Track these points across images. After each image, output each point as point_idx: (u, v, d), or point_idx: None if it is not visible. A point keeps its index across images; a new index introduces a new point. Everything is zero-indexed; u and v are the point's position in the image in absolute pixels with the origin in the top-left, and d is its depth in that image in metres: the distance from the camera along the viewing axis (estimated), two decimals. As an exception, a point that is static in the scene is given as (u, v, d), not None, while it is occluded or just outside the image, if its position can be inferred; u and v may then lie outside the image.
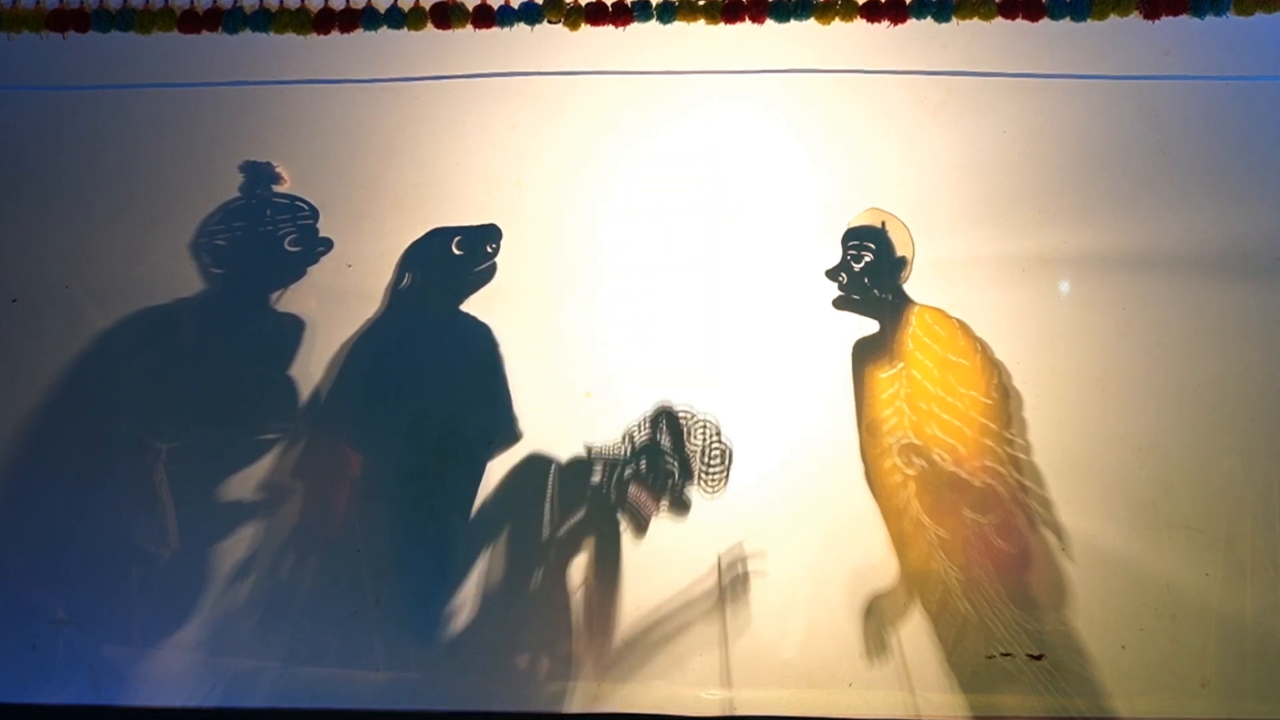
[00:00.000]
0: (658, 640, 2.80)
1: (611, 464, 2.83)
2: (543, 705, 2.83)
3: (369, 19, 2.79)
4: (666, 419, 2.82)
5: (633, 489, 2.81)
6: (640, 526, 2.83)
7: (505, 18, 2.78)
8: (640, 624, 2.81)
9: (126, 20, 2.81)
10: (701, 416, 2.84)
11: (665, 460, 2.81)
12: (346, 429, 2.93)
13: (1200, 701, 2.76)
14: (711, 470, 2.82)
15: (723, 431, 2.83)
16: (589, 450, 2.84)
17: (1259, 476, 2.78)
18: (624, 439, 2.85)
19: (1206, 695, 2.76)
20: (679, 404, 2.84)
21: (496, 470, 2.88)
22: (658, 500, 2.82)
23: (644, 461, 2.82)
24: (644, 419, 2.85)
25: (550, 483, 2.83)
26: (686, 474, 2.82)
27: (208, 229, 2.96)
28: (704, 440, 2.82)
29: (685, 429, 2.81)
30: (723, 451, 2.81)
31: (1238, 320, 2.79)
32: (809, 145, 2.89)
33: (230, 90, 2.98)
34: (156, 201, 2.98)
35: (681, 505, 2.82)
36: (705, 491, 2.82)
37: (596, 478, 2.82)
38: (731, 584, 2.79)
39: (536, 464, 2.86)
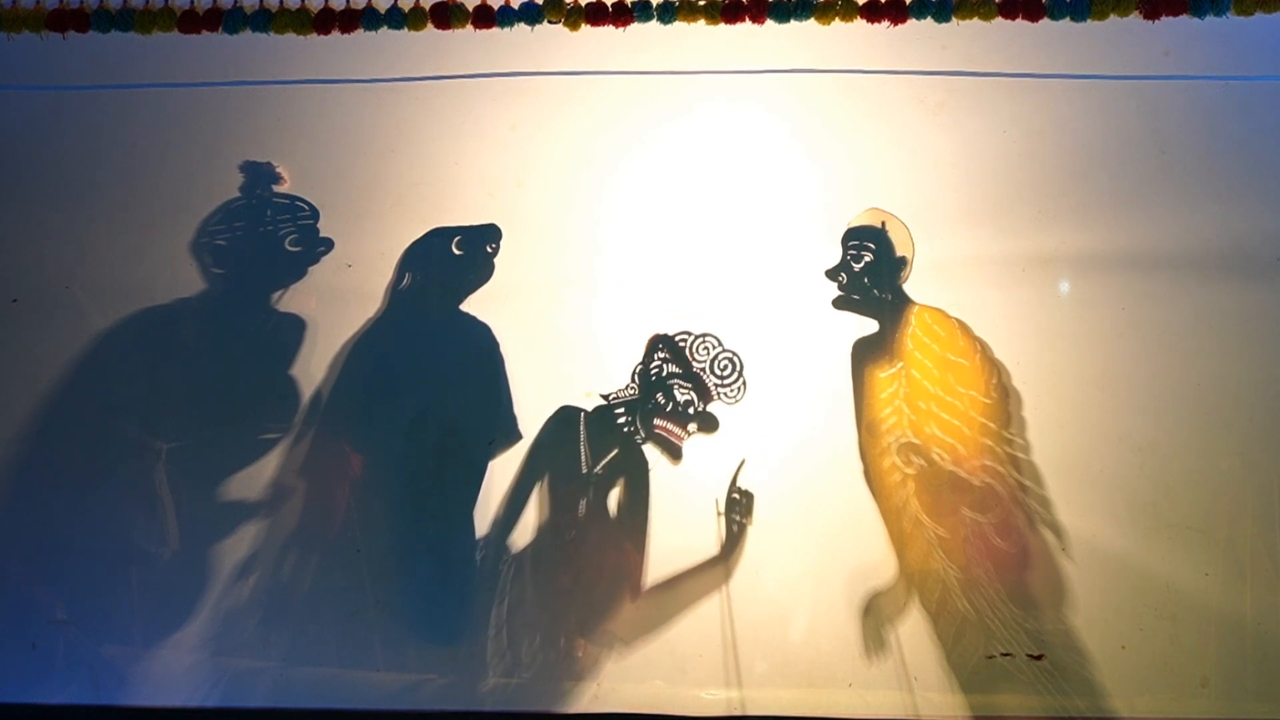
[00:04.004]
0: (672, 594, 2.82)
1: (629, 406, 2.84)
2: (543, 705, 2.83)
3: (369, 19, 2.79)
4: (666, 346, 2.82)
5: (656, 423, 2.82)
6: (675, 455, 2.84)
7: (505, 18, 2.78)
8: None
9: (126, 20, 2.81)
10: (699, 334, 2.84)
11: (678, 386, 2.81)
12: (347, 429, 2.93)
13: (1200, 701, 2.76)
14: (725, 381, 2.82)
15: (724, 342, 2.83)
16: (605, 398, 2.85)
17: (1259, 476, 2.78)
18: (632, 379, 2.85)
19: (1206, 695, 2.76)
20: (673, 330, 2.85)
21: (498, 468, 2.89)
22: (684, 426, 2.83)
23: (659, 395, 2.82)
24: (645, 356, 2.86)
25: (579, 442, 2.85)
26: (703, 392, 2.82)
27: (208, 229, 2.96)
28: (709, 355, 2.82)
29: (687, 350, 2.81)
30: (731, 360, 2.81)
31: (1238, 320, 2.80)
32: (809, 145, 2.89)
33: (230, 90, 2.98)
34: (156, 201, 2.98)
35: (708, 423, 2.83)
36: (726, 402, 2.83)
37: (620, 421, 2.84)
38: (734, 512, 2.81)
39: (567, 417, 2.87)
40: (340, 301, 2.94)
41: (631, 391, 2.85)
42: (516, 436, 2.88)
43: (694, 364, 2.83)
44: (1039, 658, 2.76)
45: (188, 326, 2.97)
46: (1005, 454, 2.78)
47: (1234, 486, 2.78)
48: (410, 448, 2.91)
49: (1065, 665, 2.76)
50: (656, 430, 2.84)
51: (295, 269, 2.95)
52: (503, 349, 2.91)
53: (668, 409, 2.83)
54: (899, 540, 2.80)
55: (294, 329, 2.94)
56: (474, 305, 2.94)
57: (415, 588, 2.89)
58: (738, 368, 2.83)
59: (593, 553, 2.83)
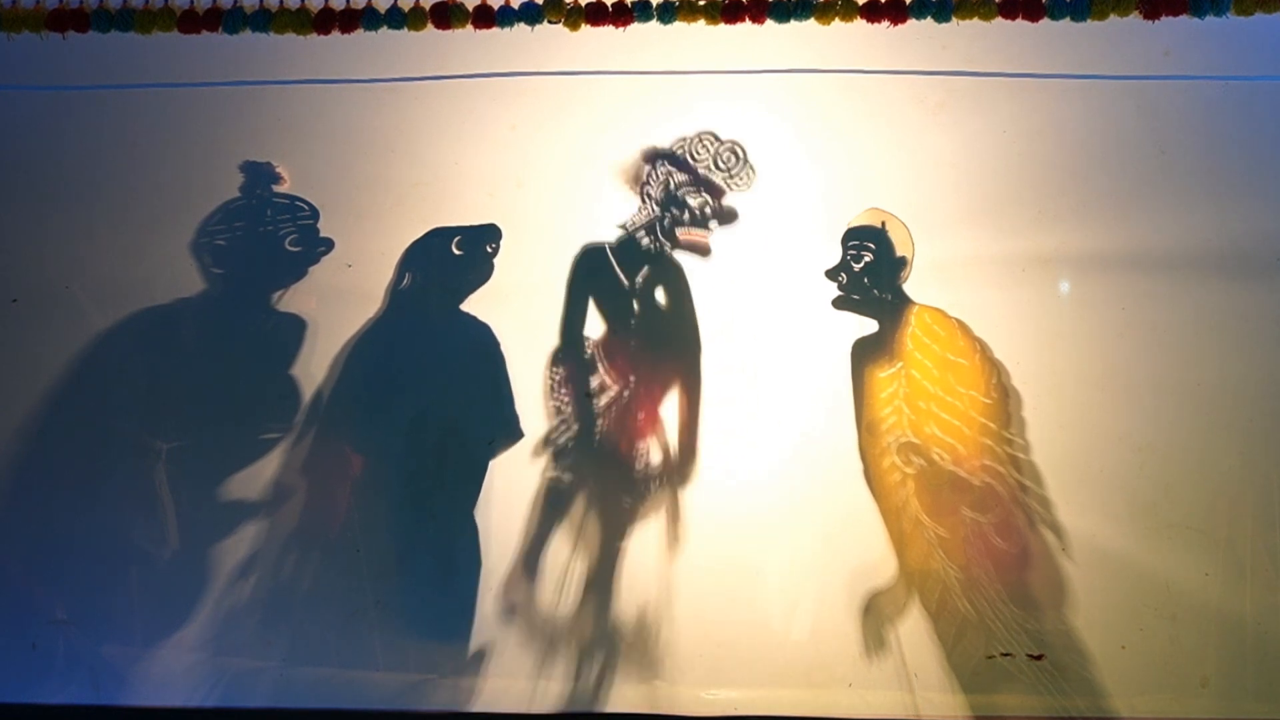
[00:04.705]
0: None
1: (648, 227, 2.85)
2: (543, 705, 2.83)
3: (369, 19, 2.79)
4: (666, 158, 2.83)
5: (680, 234, 2.84)
6: (705, 254, 2.87)
7: (505, 18, 2.78)
8: None
9: (126, 20, 2.81)
10: (693, 135, 2.85)
11: (689, 193, 2.82)
12: (347, 429, 2.93)
13: (1200, 701, 2.76)
14: (733, 172, 2.83)
15: (719, 133, 2.84)
16: (624, 227, 2.87)
17: (1259, 476, 2.78)
18: (643, 200, 2.86)
19: (1206, 695, 2.76)
20: (667, 139, 2.87)
21: (498, 468, 2.89)
22: (705, 227, 2.84)
23: (673, 208, 2.83)
24: (647, 174, 2.87)
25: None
26: (714, 190, 2.83)
27: (208, 229, 2.96)
28: (710, 153, 2.83)
29: (687, 155, 2.83)
30: (733, 150, 2.83)
31: (1238, 320, 2.80)
32: (809, 145, 2.89)
33: (230, 90, 2.98)
34: (156, 201, 2.98)
35: (727, 217, 2.84)
36: (740, 189, 2.84)
37: (645, 243, 2.86)
38: None
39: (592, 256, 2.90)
40: (340, 301, 2.94)
41: (647, 213, 2.86)
42: (517, 436, 2.88)
43: (698, 166, 2.83)
44: (1039, 658, 2.76)
45: (188, 326, 2.97)
46: (1005, 454, 2.78)
47: (1234, 486, 2.78)
48: (410, 448, 2.91)
49: (1065, 665, 2.76)
50: (682, 240, 2.86)
51: (295, 269, 2.95)
52: (503, 349, 2.91)
53: (685, 218, 2.84)
54: (899, 540, 2.80)
55: (294, 329, 2.94)
56: (474, 305, 2.94)
57: (415, 588, 2.89)
58: (741, 155, 2.84)
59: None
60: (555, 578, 2.86)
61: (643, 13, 2.76)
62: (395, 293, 2.95)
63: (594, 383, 2.85)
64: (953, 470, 2.77)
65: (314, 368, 2.93)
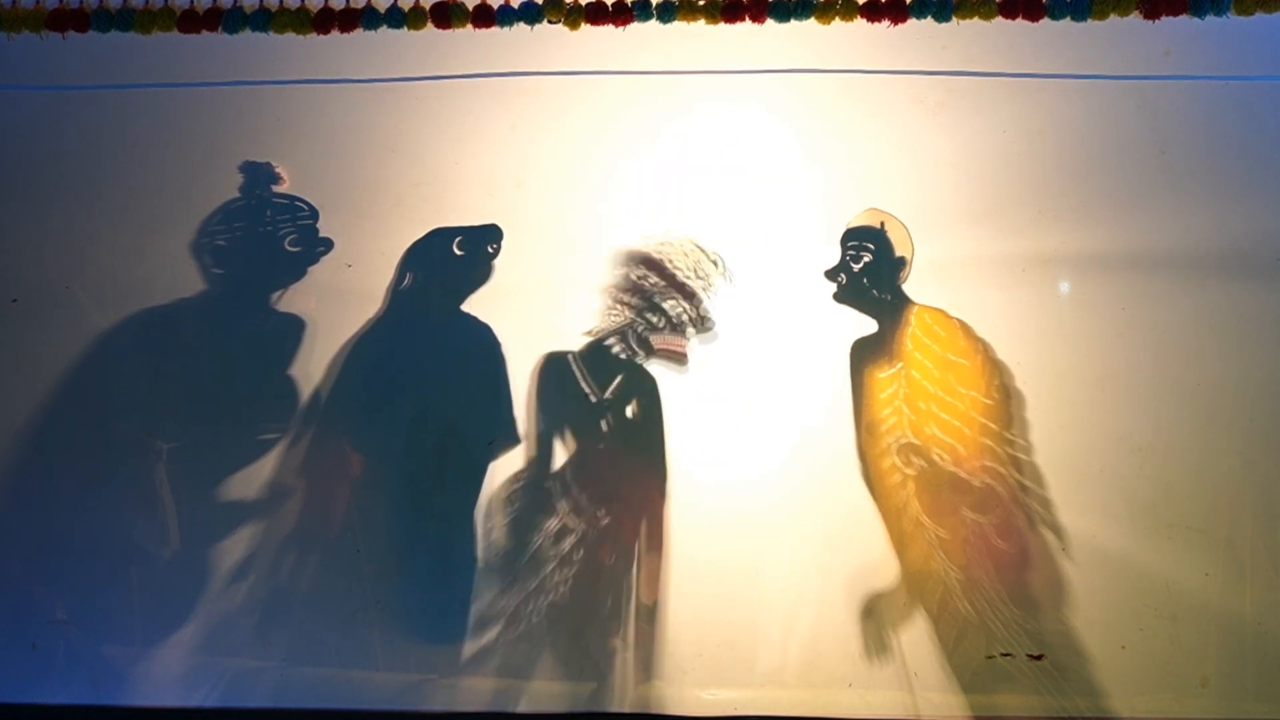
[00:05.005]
0: None
1: (620, 334, 2.82)
2: (543, 705, 2.83)
3: (369, 19, 2.79)
4: (643, 262, 2.80)
5: (656, 342, 2.80)
6: (682, 363, 2.83)
7: (505, 18, 2.78)
8: None
9: (126, 20, 2.81)
10: (674, 241, 2.83)
11: (666, 300, 2.79)
12: (347, 429, 2.93)
13: (1200, 701, 2.76)
14: (711, 281, 2.81)
15: (702, 243, 2.82)
16: (592, 334, 2.84)
17: (1259, 476, 2.78)
18: (614, 303, 2.84)
19: (1206, 695, 2.76)
20: (645, 242, 2.84)
21: (498, 468, 2.88)
22: (683, 335, 2.82)
23: (649, 314, 2.80)
24: (623, 276, 2.85)
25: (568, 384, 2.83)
26: (692, 298, 2.81)
27: (208, 229, 2.97)
28: (689, 261, 2.81)
29: (666, 262, 2.79)
30: (714, 261, 2.81)
31: (1238, 320, 2.80)
32: (808, 145, 2.89)
33: (230, 90, 2.98)
34: (156, 201, 2.98)
35: (705, 325, 2.81)
36: (716, 296, 2.82)
37: (615, 351, 2.82)
38: None
39: (556, 362, 2.87)
40: (340, 301, 2.94)
41: (617, 317, 2.83)
42: (517, 437, 2.88)
43: (676, 274, 2.80)
44: (1039, 658, 2.76)
45: (188, 326, 2.97)
46: (1006, 454, 2.78)
47: (1234, 486, 2.78)
48: (410, 448, 2.91)
49: (1065, 665, 2.76)
50: (659, 349, 2.83)
51: (295, 269, 2.95)
52: (503, 349, 2.91)
53: (662, 326, 2.81)
54: (899, 541, 2.80)
55: (294, 329, 2.94)
56: (474, 305, 2.94)
57: (415, 588, 2.89)
58: (720, 265, 2.82)
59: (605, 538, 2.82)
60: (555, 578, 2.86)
61: (643, 13, 2.76)
62: (395, 293, 2.95)
63: (556, 523, 2.82)
64: (953, 471, 2.77)
65: (313, 368, 2.93)
